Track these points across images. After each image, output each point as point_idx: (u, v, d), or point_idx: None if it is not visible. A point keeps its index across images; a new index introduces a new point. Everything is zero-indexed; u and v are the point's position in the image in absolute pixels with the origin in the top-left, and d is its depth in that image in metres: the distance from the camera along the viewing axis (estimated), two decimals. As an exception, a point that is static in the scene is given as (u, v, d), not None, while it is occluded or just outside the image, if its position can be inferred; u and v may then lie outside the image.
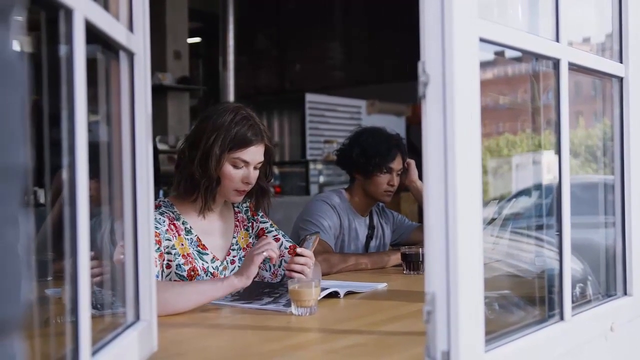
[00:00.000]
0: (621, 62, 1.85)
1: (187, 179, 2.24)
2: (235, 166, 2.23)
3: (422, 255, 2.71)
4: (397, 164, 3.08)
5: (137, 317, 1.39)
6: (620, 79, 1.86)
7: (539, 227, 1.98)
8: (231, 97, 8.65)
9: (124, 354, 1.25)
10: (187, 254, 2.22)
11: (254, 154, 2.25)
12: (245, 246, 2.41)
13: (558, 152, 1.56)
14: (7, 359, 0.60)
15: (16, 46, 0.62)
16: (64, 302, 1.52)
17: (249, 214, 2.46)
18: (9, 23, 0.59)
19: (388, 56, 9.27)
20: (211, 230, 2.33)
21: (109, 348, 1.19)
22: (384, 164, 3.05)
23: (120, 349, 1.24)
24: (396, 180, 3.08)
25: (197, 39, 10.12)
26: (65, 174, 1.01)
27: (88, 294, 1.03)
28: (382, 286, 2.40)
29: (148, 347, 1.41)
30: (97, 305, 1.37)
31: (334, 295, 2.16)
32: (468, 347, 1.20)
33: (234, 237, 2.39)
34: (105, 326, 1.37)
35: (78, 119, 1.01)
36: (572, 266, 1.61)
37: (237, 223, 2.42)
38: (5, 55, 0.58)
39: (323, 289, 2.07)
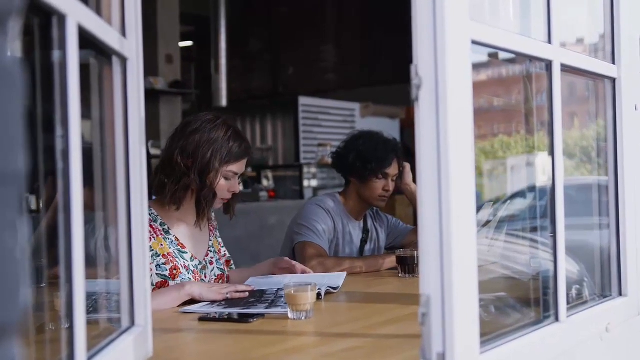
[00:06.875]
0: (614, 63, 1.86)
1: (181, 190, 2.31)
2: (226, 178, 2.35)
3: (418, 258, 2.71)
4: (393, 170, 3.06)
5: (132, 323, 1.39)
6: (613, 80, 1.86)
7: (534, 229, 1.99)
8: (224, 101, 8.63)
9: (119, 360, 1.25)
10: (168, 254, 2.30)
11: (243, 166, 2.39)
12: (217, 250, 2.52)
13: (551, 153, 1.57)
14: None
15: (14, 52, 0.62)
16: (56, 308, 1.52)
17: (216, 224, 2.59)
18: (6, 29, 0.59)
19: (381, 58, 9.27)
20: (189, 233, 2.42)
21: (104, 353, 1.19)
22: (380, 169, 3.02)
23: (116, 354, 1.23)
24: (391, 186, 3.06)
25: (188, 43, 10.09)
26: (59, 180, 1.00)
27: (83, 300, 1.03)
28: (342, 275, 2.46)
29: (143, 353, 1.41)
30: (89, 310, 1.36)
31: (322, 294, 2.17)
32: (463, 349, 1.20)
33: (210, 240, 2.51)
34: (99, 332, 1.36)
35: (72, 124, 1.01)
36: (568, 268, 1.62)
37: (211, 228, 2.54)
38: (3, 61, 0.58)
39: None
